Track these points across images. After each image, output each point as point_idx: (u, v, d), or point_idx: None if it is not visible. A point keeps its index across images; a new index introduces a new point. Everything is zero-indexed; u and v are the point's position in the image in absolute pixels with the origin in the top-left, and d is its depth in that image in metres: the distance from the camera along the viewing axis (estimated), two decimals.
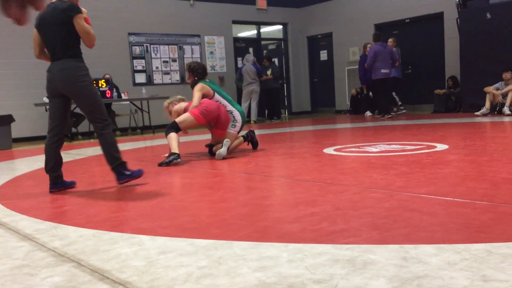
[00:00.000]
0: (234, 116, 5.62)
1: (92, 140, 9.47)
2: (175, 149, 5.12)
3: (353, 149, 5.37)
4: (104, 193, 3.78)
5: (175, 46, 12.33)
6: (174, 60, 12.34)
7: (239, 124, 5.62)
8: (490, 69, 9.73)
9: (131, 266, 1.99)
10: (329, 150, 5.41)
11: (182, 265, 1.96)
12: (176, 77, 12.39)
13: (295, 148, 5.99)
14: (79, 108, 3.92)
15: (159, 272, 1.89)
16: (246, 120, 11.13)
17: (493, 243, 1.97)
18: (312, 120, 11.76)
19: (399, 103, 11.25)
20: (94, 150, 7.41)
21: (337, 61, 14.02)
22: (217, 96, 5.64)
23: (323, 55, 14.61)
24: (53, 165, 3.81)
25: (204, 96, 5.52)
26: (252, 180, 3.93)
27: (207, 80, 5.74)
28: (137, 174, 3.93)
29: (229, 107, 5.65)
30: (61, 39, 3.69)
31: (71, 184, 4.03)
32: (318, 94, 14.98)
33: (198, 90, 5.51)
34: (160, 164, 5.03)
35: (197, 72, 5.70)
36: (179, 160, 5.10)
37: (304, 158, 4.92)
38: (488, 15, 9.87)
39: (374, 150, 5.18)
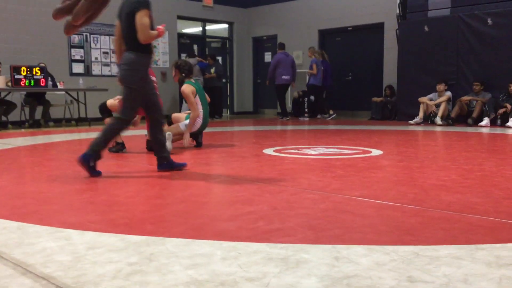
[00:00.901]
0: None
1: (23, 130, 9.03)
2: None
3: (293, 151, 5.42)
4: (32, 185, 3.60)
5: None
6: (114, 52, 12.00)
7: (192, 128, 5.68)
8: (425, 80, 10.17)
9: (56, 260, 1.90)
10: (269, 151, 5.44)
11: (111, 261, 1.89)
12: (116, 69, 12.04)
13: (235, 147, 5.98)
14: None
15: (86, 268, 1.81)
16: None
17: (420, 246, 2.03)
18: (253, 121, 11.80)
19: (306, 110, 12.28)
20: (24, 140, 7.06)
21: None
22: (197, 98, 5.68)
23: (268, 57, 14.71)
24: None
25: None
26: (190, 177, 3.87)
27: (193, 80, 5.75)
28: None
29: (200, 109, 5.72)
30: (129, 30, 3.78)
31: (182, 166, 4.14)
32: (261, 95, 15.07)
33: (191, 94, 5.57)
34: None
35: (183, 70, 5.70)
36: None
37: (244, 158, 4.92)
38: (426, 28, 10.31)
39: (313, 152, 5.26)
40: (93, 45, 11.65)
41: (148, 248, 2.03)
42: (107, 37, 11.82)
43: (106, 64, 11.92)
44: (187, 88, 5.58)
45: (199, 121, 5.73)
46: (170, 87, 12.59)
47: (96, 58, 11.73)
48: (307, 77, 11.94)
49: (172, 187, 3.51)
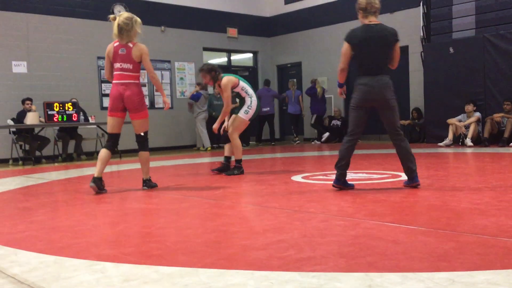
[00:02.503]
0: (251, 101, 5.92)
1: (56, 164, 9.27)
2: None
3: (321, 177, 5.41)
4: (67, 218, 3.68)
5: (145, 71, 12.26)
6: (143, 85, 12.28)
7: (252, 111, 5.90)
8: (453, 101, 10.06)
9: None
10: (297, 178, 5.44)
11: None
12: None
13: (264, 174, 6.00)
14: (381, 118, 4.35)
15: None
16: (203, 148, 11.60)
17: (455, 272, 2.00)
18: (281, 147, 11.83)
19: (294, 135, 13.34)
20: (58, 174, 7.25)
21: (305, 90, 14.22)
22: (241, 83, 5.92)
23: None
24: (344, 163, 4.28)
25: (232, 87, 5.86)
26: (219, 207, 3.90)
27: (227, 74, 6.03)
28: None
29: (251, 92, 5.96)
30: (384, 57, 4.27)
31: (350, 186, 4.41)
32: (287, 123, 15.12)
33: (229, 88, 5.81)
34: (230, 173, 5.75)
35: (212, 68, 5.88)
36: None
37: (273, 185, 4.93)
38: (451, 50, 10.25)
39: None
40: None
41: (182, 280, 2.06)
42: None
43: None
44: (225, 80, 5.79)
45: (254, 108, 5.92)
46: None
47: None
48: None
49: (202, 216, 3.55)
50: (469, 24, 10.29)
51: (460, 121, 9.73)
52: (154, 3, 12.45)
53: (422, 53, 10.92)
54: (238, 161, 5.99)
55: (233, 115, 6.01)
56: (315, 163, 7.78)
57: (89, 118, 10.35)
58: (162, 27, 12.54)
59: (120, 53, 4.91)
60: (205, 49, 13.52)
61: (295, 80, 13.63)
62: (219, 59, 14.67)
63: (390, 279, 1.95)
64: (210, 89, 13.27)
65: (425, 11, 10.98)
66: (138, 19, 5.00)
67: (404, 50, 11.93)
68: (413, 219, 3.09)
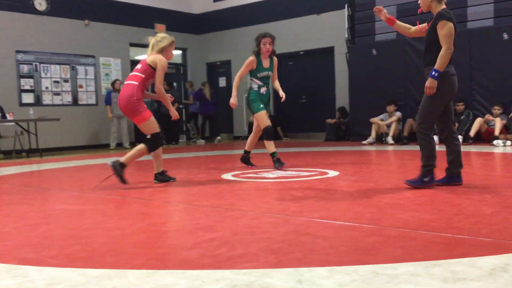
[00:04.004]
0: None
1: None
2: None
3: (251, 175, 5.46)
4: None
5: (68, 66, 11.81)
6: (66, 81, 11.80)
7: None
8: (376, 101, 10.49)
9: None
10: (228, 176, 5.45)
11: None
12: (68, 98, 11.83)
13: (193, 173, 5.96)
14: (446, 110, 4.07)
15: None
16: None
17: (379, 264, 2.09)
18: (210, 146, 11.80)
19: (193, 132, 14.26)
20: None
21: None
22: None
23: (222, 82, 14.83)
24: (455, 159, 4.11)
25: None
26: (148, 206, 3.83)
27: None
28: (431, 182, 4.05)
29: None
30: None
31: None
32: (216, 120, 15.09)
33: None
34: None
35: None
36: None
37: (203, 184, 4.91)
38: (374, 51, 10.69)
39: (271, 176, 5.31)
40: (43, 74, 11.41)
41: (110, 282, 2.00)
42: (57, 66, 11.61)
43: (57, 93, 11.67)
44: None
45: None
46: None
47: (47, 88, 11.48)
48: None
49: (131, 217, 3.46)
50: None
51: (382, 120, 10.17)
52: None
53: (347, 54, 11.30)
54: (247, 152, 6.25)
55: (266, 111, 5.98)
56: None
57: (7, 115, 9.78)
58: (86, 21, 12.10)
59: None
60: (132, 44, 13.19)
61: (192, 81, 14.15)
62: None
63: (318, 273, 2.01)
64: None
65: (350, 13, 11.37)
66: (168, 38, 4.98)
67: (330, 51, 12.30)
68: (339, 215, 3.19)
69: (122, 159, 4.83)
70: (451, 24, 3.86)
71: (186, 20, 14.50)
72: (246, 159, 6.29)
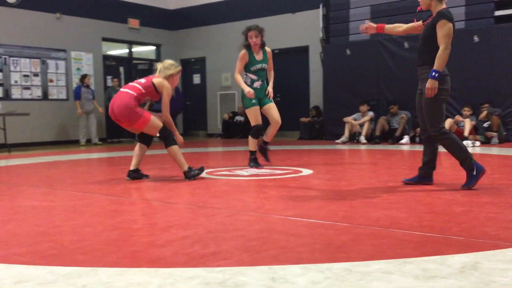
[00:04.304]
0: None
1: None
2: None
3: (225, 173, 5.44)
4: None
5: (38, 60, 11.55)
6: (36, 75, 11.54)
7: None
8: (349, 101, 10.60)
9: None
10: (201, 174, 5.41)
11: None
12: (38, 92, 11.57)
13: (167, 170, 5.90)
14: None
15: None
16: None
17: (352, 262, 2.11)
18: (184, 143, 11.70)
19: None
20: None
21: (210, 85, 14.23)
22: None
23: (196, 79, 14.74)
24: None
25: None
26: (120, 203, 3.77)
27: None
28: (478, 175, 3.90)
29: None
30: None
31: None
32: (190, 117, 15.02)
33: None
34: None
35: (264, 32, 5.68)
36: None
37: (176, 181, 4.87)
38: (348, 51, 10.78)
39: (245, 174, 5.30)
40: (12, 68, 11.14)
41: (80, 280, 1.96)
42: (27, 60, 11.35)
43: (27, 88, 11.40)
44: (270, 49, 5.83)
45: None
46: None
47: (16, 82, 11.21)
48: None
49: (102, 214, 3.41)
50: None
51: (355, 119, 10.27)
52: None
53: (322, 54, 11.37)
54: (254, 153, 5.86)
55: (270, 104, 5.89)
56: (219, 159, 7.80)
57: None
58: (57, 14, 11.85)
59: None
60: (105, 39, 13.00)
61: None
62: (120, 51, 14.18)
63: (292, 271, 2.01)
64: (109, 82, 12.82)
65: (325, 13, 11.44)
66: (176, 67, 5.05)
67: (305, 50, 12.36)
68: (313, 213, 3.21)
69: (182, 168, 4.91)
70: (451, 25, 3.84)
71: (160, 16, 14.36)
72: (263, 150, 5.99)
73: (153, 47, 14.61)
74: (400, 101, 10.00)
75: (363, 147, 9.00)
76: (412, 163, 6.34)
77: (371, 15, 10.82)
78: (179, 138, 5.08)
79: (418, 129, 9.46)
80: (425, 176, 4.23)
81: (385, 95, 10.38)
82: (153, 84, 4.85)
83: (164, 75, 4.92)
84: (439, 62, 3.85)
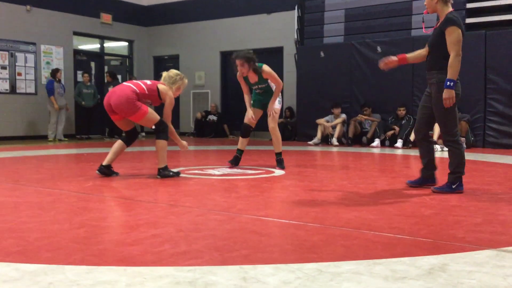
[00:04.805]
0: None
1: None
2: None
3: (196, 171, 5.40)
4: None
5: (6, 53, 11.25)
6: (3, 68, 11.24)
7: (282, 100, 5.96)
8: (322, 102, 10.66)
9: None
10: (174, 177, 5.35)
11: None
12: (5, 86, 11.27)
13: (136, 168, 5.82)
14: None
15: None
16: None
17: (323, 263, 2.11)
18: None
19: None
20: None
21: None
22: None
23: None
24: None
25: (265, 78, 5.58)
26: (88, 200, 3.70)
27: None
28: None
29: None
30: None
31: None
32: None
33: (273, 72, 5.54)
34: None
35: (253, 59, 5.43)
36: None
37: (146, 179, 4.80)
38: (322, 54, 10.85)
39: (217, 173, 5.28)
40: None
41: (46, 277, 1.90)
42: None
43: None
44: (267, 67, 5.50)
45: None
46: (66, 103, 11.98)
47: None
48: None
49: (69, 211, 3.33)
50: (339, 31, 10.98)
51: (328, 121, 10.35)
52: None
53: (296, 55, 11.42)
54: (280, 154, 5.75)
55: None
56: (191, 158, 7.74)
57: None
58: (28, 6, 11.57)
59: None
60: (76, 33, 12.75)
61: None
62: (91, 45, 13.94)
63: (263, 270, 2.00)
64: (79, 77, 12.58)
65: (300, 15, 11.49)
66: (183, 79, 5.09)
67: (279, 51, 12.39)
68: (285, 213, 3.21)
69: (159, 165, 4.84)
70: (459, 31, 3.80)
71: (133, 11, 14.17)
72: (280, 162, 5.85)
73: (126, 43, 14.41)
74: (372, 104, 10.12)
75: (335, 149, 9.07)
76: (383, 166, 6.42)
77: (345, 19, 10.92)
78: (183, 143, 5.12)
79: (389, 133, 9.63)
80: (427, 177, 4.26)
81: (357, 97, 10.49)
82: (158, 90, 4.83)
83: (170, 83, 4.92)
84: (451, 71, 3.79)
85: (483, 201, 3.63)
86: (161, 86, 4.88)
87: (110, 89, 12.40)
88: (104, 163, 4.90)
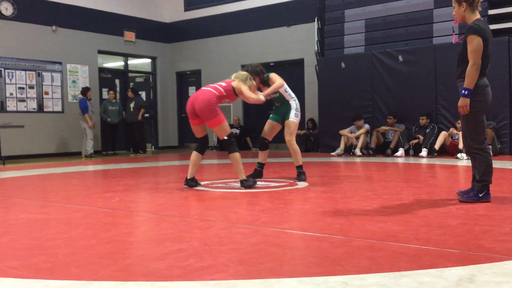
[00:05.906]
0: (296, 104, 5.89)
1: None
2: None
3: (220, 185, 5.43)
4: None
5: (33, 73, 11.54)
6: (31, 87, 11.52)
7: (299, 113, 5.88)
8: (344, 113, 10.63)
9: None
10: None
11: None
12: (33, 105, 11.54)
13: (161, 183, 5.89)
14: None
15: None
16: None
17: (348, 275, 2.10)
18: (178, 155, 11.70)
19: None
20: None
21: None
22: (286, 85, 5.88)
23: (192, 91, 14.73)
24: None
25: (277, 88, 5.74)
26: (115, 216, 3.76)
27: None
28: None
29: (293, 94, 5.95)
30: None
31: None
32: (186, 129, 15.00)
33: (280, 78, 5.76)
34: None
35: (260, 70, 5.66)
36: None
37: (171, 193, 4.85)
38: (343, 65, 10.85)
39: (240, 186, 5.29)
40: (8, 80, 11.12)
41: None
42: (23, 72, 11.34)
43: (22, 100, 11.38)
44: (274, 75, 5.76)
45: (299, 105, 6.00)
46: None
47: (11, 94, 11.19)
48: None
49: (96, 226, 3.39)
50: (359, 41, 10.96)
51: (351, 132, 10.30)
52: (45, 1, 11.76)
53: (317, 67, 11.43)
54: (300, 167, 5.78)
55: (286, 121, 5.81)
56: (215, 172, 7.79)
57: None
58: (53, 27, 11.87)
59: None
60: (100, 52, 13.02)
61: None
62: (116, 63, 14.21)
63: (288, 284, 2.00)
64: (104, 94, 12.82)
65: (320, 27, 11.52)
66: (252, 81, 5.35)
67: (300, 62, 12.41)
68: (309, 225, 3.20)
69: (239, 177, 5.07)
70: (479, 39, 3.77)
71: (156, 28, 14.41)
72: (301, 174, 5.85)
73: (149, 60, 14.64)
74: (395, 113, 10.04)
75: (358, 160, 9.02)
76: (407, 176, 6.35)
77: (365, 29, 10.90)
78: (260, 96, 5.29)
79: (412, 142, 9.53)
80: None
81: (379, 107, 10.43)
82: (233, 88, 5.12)
83: (243, 81, 5.20)
84: (468, 80, 3.78)
85: (511, 210, 3.56)
86: (234, 84, 5.16)
87: (132, 105, 12.49)
88: (188, 177, 5.19)
